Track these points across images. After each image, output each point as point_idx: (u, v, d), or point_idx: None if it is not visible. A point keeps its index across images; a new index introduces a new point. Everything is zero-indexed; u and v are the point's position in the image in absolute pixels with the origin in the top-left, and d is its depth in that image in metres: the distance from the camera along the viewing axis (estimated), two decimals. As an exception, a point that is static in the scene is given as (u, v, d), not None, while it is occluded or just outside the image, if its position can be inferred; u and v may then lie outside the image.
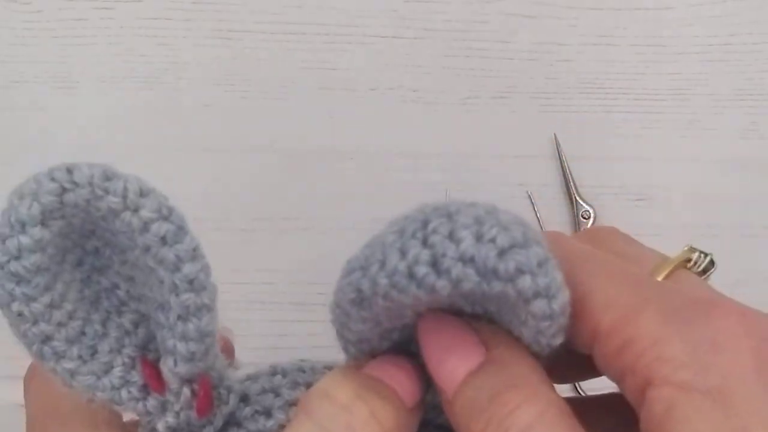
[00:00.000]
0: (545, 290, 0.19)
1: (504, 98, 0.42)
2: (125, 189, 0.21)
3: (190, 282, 0.21)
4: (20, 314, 0.22)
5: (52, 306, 0.22)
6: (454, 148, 0.42)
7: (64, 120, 0.42)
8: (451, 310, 0.21)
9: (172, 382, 0.23)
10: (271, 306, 0.43)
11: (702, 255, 0.23)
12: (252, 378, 0.25)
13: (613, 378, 0.20)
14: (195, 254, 0.21)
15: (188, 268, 0.21)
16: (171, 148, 0.42)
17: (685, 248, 0.22)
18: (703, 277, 0.23)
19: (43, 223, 0.21)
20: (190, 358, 0.22)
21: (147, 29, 0.42)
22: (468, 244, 0.18)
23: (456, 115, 0.42)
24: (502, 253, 0.18)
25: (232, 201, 0.41)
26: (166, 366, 0.22)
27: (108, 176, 0.21)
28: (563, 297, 0.20)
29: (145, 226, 0.21)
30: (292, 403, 0.23)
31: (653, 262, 0.22)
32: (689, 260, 0.23)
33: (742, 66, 0.43)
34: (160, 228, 0.21)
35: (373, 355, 0.22)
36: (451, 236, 0.19)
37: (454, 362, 0.20)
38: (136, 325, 0.23)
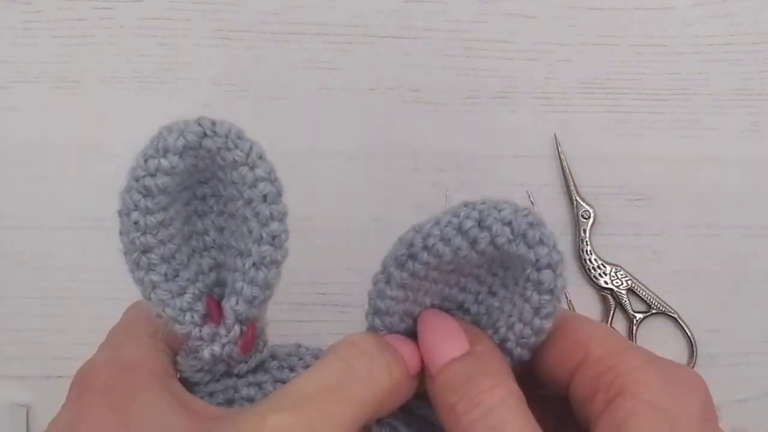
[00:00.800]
0: (555, 264, 0.25)
1: (504, 98, 0.42)
2: (250, 149, 0.26)
3: (273, 238, 0.26)
4: (136, 223, 0.26)
5: (161, 225, 0.26)
6: (454, 148, 0.42)
7: (64, 120, 0.42)
8: (449, 311, 0.28)
9: (229, 318, 0.27)
10: (271, 306, 0.43)
11: None
12: (280, 345, 0.29)
13: (582, 395, 0.26)
14: (283, 217, 0.26)
15: (276, 226, 0.26)
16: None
17: None
18: None
19: (181, 156, 0.26)
20: (251, 300, 0.27)
21: (147, 29, 0.42)
22: (508, 212, 0.25)
23: (456, 115, 0.42)
24: (531, 225, 0.25)
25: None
26: (229, 304, 0.27)
27: (240, 135, 0.26)
28: (564, 280, 0.26)
29: (255, 183, 0.26)
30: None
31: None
32: None
33: (742, 66, 0.43)
34: (266, 187, 0.26)
35: (390, 331, 0.27)
36: (496, 207, 0.25)
37: (442, 348, 0.26)
38: (210, 269, 0.28)
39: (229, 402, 0.28)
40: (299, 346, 0.29)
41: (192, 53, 0.42)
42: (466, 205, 0.26)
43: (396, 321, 0.28)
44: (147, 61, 0.42)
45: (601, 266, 0.42)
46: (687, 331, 0.43)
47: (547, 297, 0.26)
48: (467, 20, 0.42)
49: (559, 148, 0.42)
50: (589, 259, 0.42)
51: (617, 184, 0.43)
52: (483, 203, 0.26)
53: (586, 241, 0.42)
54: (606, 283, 0.42)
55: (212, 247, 0.28)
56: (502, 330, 0.27)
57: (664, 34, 0.43)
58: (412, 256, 0.26)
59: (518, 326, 0.27)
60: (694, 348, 0.43)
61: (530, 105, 0.42)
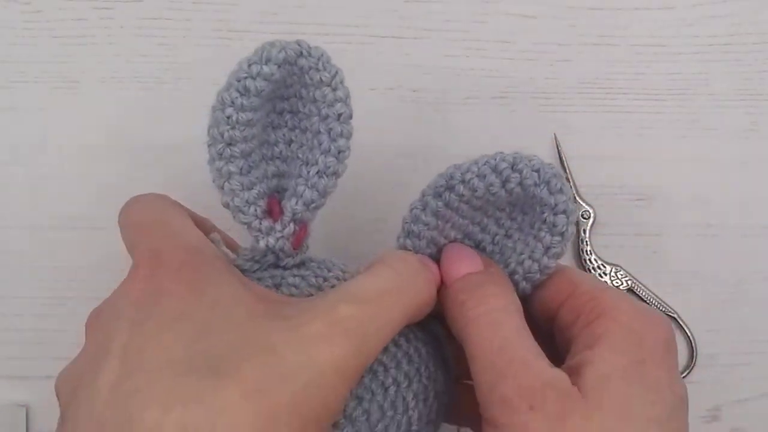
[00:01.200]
0: (570, 212, 0.31)
1: (504, 98, 0.42)
2: (336, 73, 0.31)
3: (339, 152, 0.31)
4: (229, 117, 0.30)
5: (248, 123, 0.31)
6: (454, 148, 0.42)
7: (64, 120, 0.42)
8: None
9: (287, 216, 0.32)
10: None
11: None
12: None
13: (567, 320, 0.31)
14: (350, 136, 0.31)
15: (343, 142, 0.31)
16: (171, 148, 0.42)
17: None
18: None
19: (279, 66, 0.30)
20: (309, 203, 0.31)
21: (147, 29, 0.42)
22: (537, 162, 0.30)
23: (456, 115, 0.42)
24: (555, 175, 0.30)
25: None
26: (289, 203, 0.31)
27: (329, 61, 0.31)
28: (573, 228, 0.31)
29: (334, 102, 0.31)
30: (345, 270, 0.32)
31: None
32: None
33: (742, 66, 0.43)
34: (342, 108, 0.31)
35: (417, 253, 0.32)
36: (527, 157, 0.30)
37: (461, 264, 0.32)
38: (273, 176, 0.33)
39: (277, 287, 0.31)
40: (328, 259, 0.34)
41: (192, 53, 0.42)
42: (502, 152, 0.31)
43: (423, 245, 0.32)
44: (147, 61, 0.42)
45: (601, 266, 0.42)
46: (687, 331, 0.43)
47: (558, 238, 0.31)
48: (467, 20, 0.42)
49: (559, 148, 0.42)
50: (589, 259, 0.42)
51: (617, 184, 0.43)
52: (517, 153, 0.31)
53: (586, 241, 0.42)
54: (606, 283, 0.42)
55: (278, 158, 0.33)
56: (512, 265, 0.32)
57: (664, 34, 0.43)
58: (450, 188, 0.31)
59: (527, 262, 0.32)
60: (694, 348, 0.43)
61: (530, 105, 0.42)
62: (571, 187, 0.42)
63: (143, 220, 0.31)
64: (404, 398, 0.31)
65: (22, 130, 0.41)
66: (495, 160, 0.31)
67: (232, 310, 0.28)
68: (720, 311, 0.43)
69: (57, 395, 0.30)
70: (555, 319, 0.32)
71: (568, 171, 0.42)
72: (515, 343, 0.29)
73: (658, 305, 0.42)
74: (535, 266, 0.32)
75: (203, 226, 0.33)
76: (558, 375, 0.29)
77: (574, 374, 0.29)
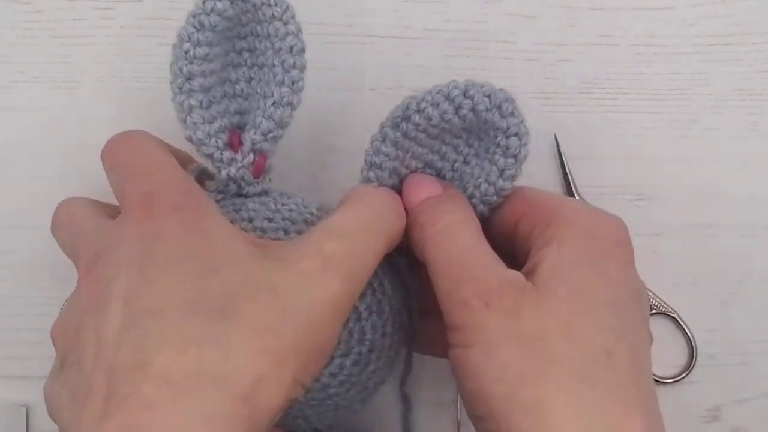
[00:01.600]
0: (522, 134, 0.32)
1: (504, 98, 0.42)
2: (287, 8, 0.33)
3: (293, 83, 0.33)
4: (186, 52, 0.33)
5: (205, 58, 0.33)
6: (454, 148, 0.42)
7: (64, 120, 0.42)
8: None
9: (246, 146, 0.34)
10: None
11: None
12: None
13: (525, 232, 0.32)
14: (303, 68, 0.33)
15: (296, 73, 0.33)
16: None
17: None
18: None
19: (232, 2, 0.33)
20: (266, 133, 0.33)
21: (147, 29, 0.42)
22: (488, 88, 0.32)
23: (456, 115, 0.42)
24: (506, 99, 0.32)
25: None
26: (248, 135, 0.34)
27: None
28: (527, 150, 0.33)
29: (285, 36, 0.33)
30: (305, 201, 0.35)
31: None
32: None
33: (742, 66, 0.43)
34: (293, 41, 0.33)
35: (381, 185, 0.34)
36: (479, 83, 0.32)
37: (421, 189, 0.34)
38: (235, 112, 0.35)
39: (237, 211, 0.33)
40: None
41: (192, 53, 0.42)
42: (455, 80, 0.32)
43: (386, 176, 0.34)
44: (147, 61, 0.42)
45: (601, 266, 0.42)
46: (687, 331, 0.43)
47: (511, 161, 0.32)
48: (467, 20, 0.42)
49: (559, 148, 0.42)
50: (589, 259, 0.42)
51: (617, 184, 0.43)
52: (469, 81, 0.32)
53: (586, 241, 0.42)
54: (606, 283, 0.42)
55: (239, 96, 0.35)
56: (470, 189, 0.34)
57: (664, 34, 0.43)
58: (406, 118, 0.33)
59: (484, 186, 0.33)
60: (694, 348, 0.43)
61: (530, 105, 0.42)
62: (571, 187, 0.42)
63: (130, 162, 0.31)
64: (357, 308, 0.32)
65: (22, 130, 0.41)
66: (448, 88, 0.32)
67: (231, 250, 0.28)
68: (720, 311, 0.43)
69: (53, 342, 0.30)
70: (515, 237, 0.33)
71: (568, 171, 0.42)
72: (472, 250, 0.31)
73: (658, 305, 0.42)
74: (491, 189, 0.33)
75: (181, 158, 0.33)
76: (514, 275, 0.30)
77: (530, 274, 0.30)
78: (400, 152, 0.34)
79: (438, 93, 0.32)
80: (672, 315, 0.42)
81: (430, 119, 0.32)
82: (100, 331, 0.27)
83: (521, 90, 0.42)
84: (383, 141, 0.33)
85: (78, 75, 0.42)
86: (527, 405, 0.27)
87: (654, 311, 0.42)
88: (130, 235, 0.28)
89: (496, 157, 0.33)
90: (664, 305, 0.42)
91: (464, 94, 0.32)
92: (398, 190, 0.34)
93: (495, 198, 0.34)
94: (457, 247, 0.31)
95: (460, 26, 0.42)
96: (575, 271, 0.30)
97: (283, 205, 0.34)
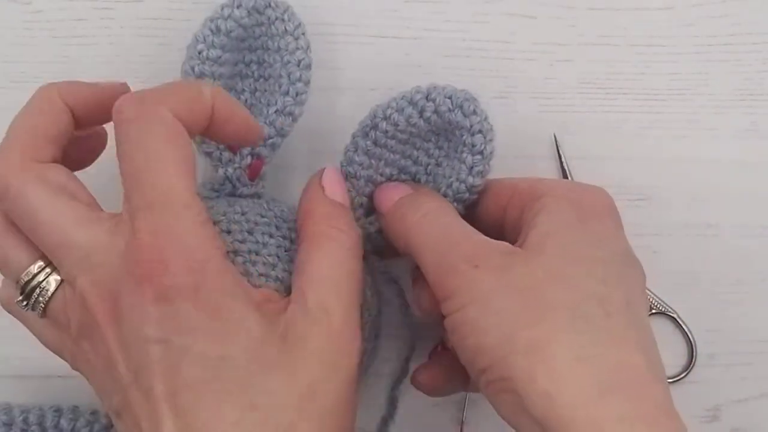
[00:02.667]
0: (486, 131, 0.33)
1: (504, 98, 0.42)
2: (299, 24, 0.35)
3: (297, 94, 0.35)
4: (200, 52, 0.35)
5: (216, 61, 0.35)
6: (454, 148, 0.42)
7: (64, 120, 0.41)
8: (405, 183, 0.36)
9: (245, 150, 0.36)
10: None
11: None
12: None
13: (513, 217, 0.33)
14: (308, 82, 0.35)
15: (300, 86, 0.35)
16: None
17: None
18: None
19: (249, 12, 0.35)
20: (266, 138, 0.35)
21: (147, 29, 0.42)
22: (450, 90, 0.33)
23: (456, 115, 0.42)
24: (467, 99, 0.33)
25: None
26: None
27: (293, 14, 0.36)
28: (492, 146, 0.34)
29: (295, 50, 0.35)
30: (294, 209, 0.35)
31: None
32: None
33: (742, 66, 0.43)
34: (302, 55, 0.35)
35: (357, 194, 0.36)
36: (441, 86, 0.33)
37: (393, 192, 0.35)
38: None
39: (231, 205, 0.34)
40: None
41: (192, 53, 0.42)
42: (417, 86, 0.34)
43: (362, 184, 0.36)
44: (147, 61, 0.42)
45: (601, 266, 0.42)
46: (686, 331, 0.43)
47: (478, 157, 0.33)
48: (467, 20, 0.42)
49: (559, 148, 0.42)
50: (589, 259, 0.42)
51: (617, 184, 0.43)
52: (431, 84, 0.33)
53: (586, 241, 0.42)
54: (606, 283, 0.42)
55: (244, 105, 0.35)
56: (443, 189, 0.35)
57: (664, 34, 0.43)
58: (374, 126, 0.34)
59: (456, 184, 0.34)
60: (694, 348, 0.43)
61: (530, 105, 0.42)
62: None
63: (139, 158, 0.29)
64: None
65: (22, 130, 0.41)
66: (411, 93, 0.33)
67: (253, 343, 0.28)
68: (720, 311, 0.43)
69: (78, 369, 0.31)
70: (503, 226, 0.34)
71: (568, 171, 0.42)
72: (456, 225, 0.32)
73: (658, 305, 0.42)
74: (463, 186, 0.34)
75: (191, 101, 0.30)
76: (501, 243, 0.31)
77: (520, 245, 0.31)
78: (372, 160, 0.35)
79: (402, 99, 0.33)
80: (672, 315, 0.42)
81: (397, 125, 0.34)
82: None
83: (521, 90, 0.42)
84: (355, 151, 0.35)
85: (78, 75, 0.41)
86: (526, 346, 0.28)
87: (654, 311, 0.42)
88: (147, 305, 0.27)
89: (464, 155, 0.34)
90: (664, 305, 0.42)
91: (426, 98, 0.33)
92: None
93: (467, 195, 0.35)
94: (441, 225, 0.32)
95: (460, 26, 0.42)
96: (564, 232, 0.31)
97: (276, 206, 0.35)
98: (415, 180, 0.36)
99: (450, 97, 0.33)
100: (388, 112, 0.34)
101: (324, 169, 0.35)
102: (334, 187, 0.34)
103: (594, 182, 0.42)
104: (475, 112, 0.33)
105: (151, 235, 0.28)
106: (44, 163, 0.31)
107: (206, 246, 0.28)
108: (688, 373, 0.43)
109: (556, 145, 0.42)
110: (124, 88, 0.33)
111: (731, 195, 0.43)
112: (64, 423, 0.37)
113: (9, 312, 0.34)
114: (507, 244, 0.31)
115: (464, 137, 0.33)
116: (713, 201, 0.43)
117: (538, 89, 0.43)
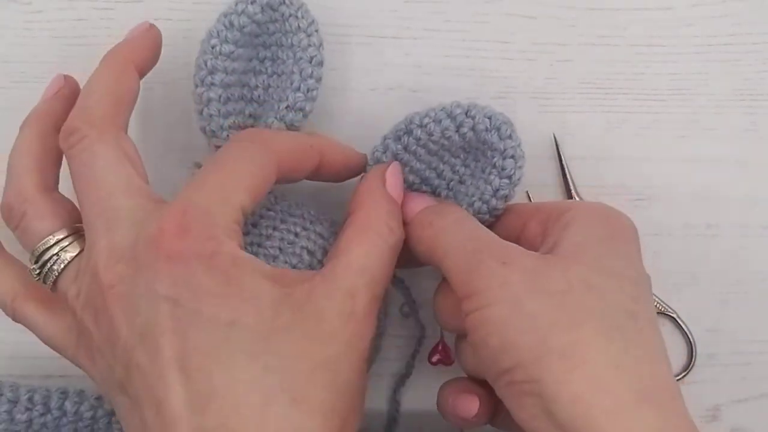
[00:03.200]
0: (518, 157, 0.34)
1: (504, 98, 0.42)
2: (312, 21, 0.36)
3: (308, 90, 0.35)
4: (213, 47, 0.35)
5: (229, 56, 0.36)
6: (454, 148, 0.42)
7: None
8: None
9: None
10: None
11: None
12: None
13: (534, 232, 0.34)
14: (319, 79, 0.36)
15: (312, 83, 0.35)
16: (172, 148, 0.42)
17: None
18: None
19: (263, 9, 0.35)
20: None
21: (147, 29, 0.42)
22: (490, 110, 0.33)
23: (456, 115, 0.42)
24: (506, 122, 0.33)
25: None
26: None
27: (307, 11, 0.36)
28: (521, 173, 0.34)
29: (307, 47, 0.35)
30: (297, 204, 0.36)
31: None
32: None
33: (742, 66, 0.43)
34: (314, 52, 0.36)
35: None
36: (481, 105, 0.34)
37: (420, 201, 0.35)
38: (249, 115, 0.37)
39: None
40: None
41: (192, 53, 0.42)
42: (456, 101, 0.34)
43: None
44: (147, 61, 0.42)
45: (601, 266, 0.42)
46: (686, 331, 0.43)
47: (506, 181, 0.34)
48: (467, 20, 0.42)
49: (559, 148, 0.42)
50: (589, 259, 0.42)
51: (617, 184, 0.43)
52: (472, 102, 0.34)
53: (586, 241, 0.42)
54: (606, 283, 0.42)
55: (255, 101, 0.37)
56: (464, 207, 0.35)
57: (664, 34, 0.43)
58: (408, 132, 0.34)
59: (477, 204, 0.34)
60: (694, 348, 0.43)
61: (530, 105, 0.42)
62: (571, 187, 0.42)
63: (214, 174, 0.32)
64: None
65: (22, 130, 0.41)
66: (451, 106, 0.34)
67: (265, 308, 0.29)
68: (720, 311, 0.43)
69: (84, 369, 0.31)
70: (519, 242, 0.33)
71: (567, 171, 0.42)
72: (481, 231, 0.33)
73: (658, 305, 0.42)
74: (485, 207, 0.34)
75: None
76: (529, 251, 0.31)
77: (549, 252, 0.31)
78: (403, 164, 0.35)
79: (441, 110, 0.34)
80: (672, 315, 0.42)
81: (431, 134, 0.34)
82: (164, 403, 0.27)
83: (521, 90, 0.42)
84: (384, 152, 0.35)
85: (78, 75, 0.42)
86: (561, 350, 0.28)
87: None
88: (162, 270, 0.28)
89: (491, 177, 0.34)
90: (664, 305, 0.42)
91: (466, 114, 0.33)
92: None
93: (487, 216, 0.35)
94: (470, 228, 0.33)
95: (460, 26, 0.42)
96: (597, 245, 0.31)
97: (283, 200, 0.36)
98: (435, 194, 0.36)
99: (490, 118, 0.33)
100: (425, 120, 0.34)
101: (391, 162, 0.35)
102: (395, 183, 0.35)
103: (594, 182, 0.42)
104: (510, 137, 0.33)
105: (181, 207, 0.29)
106: (120, 128, 0.33)
107: (229, 222, 0.30)
108: (688, 373, 0.43)
109: (556, 145, 0.42)
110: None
111: (731, 195, 0.43)
112: (68, 405, 0.37)
113: (12, 312, 0.34)
114: (536, 253, 0.31)
115: (495, 159, 0.34)
116: (713, 201, 0.43)
117: (538, 89, 0.43)
